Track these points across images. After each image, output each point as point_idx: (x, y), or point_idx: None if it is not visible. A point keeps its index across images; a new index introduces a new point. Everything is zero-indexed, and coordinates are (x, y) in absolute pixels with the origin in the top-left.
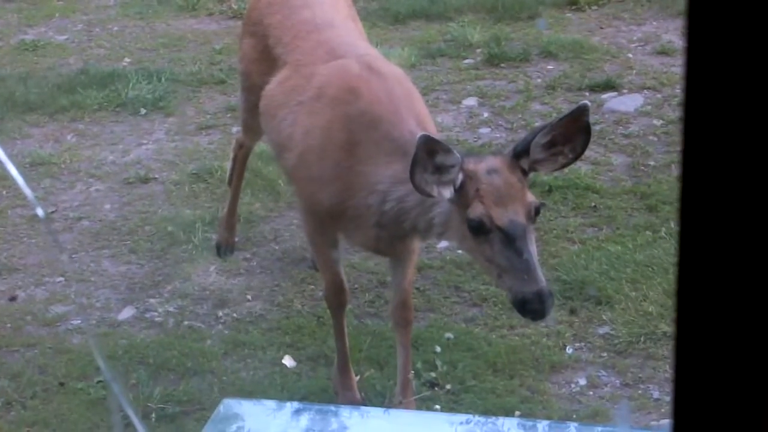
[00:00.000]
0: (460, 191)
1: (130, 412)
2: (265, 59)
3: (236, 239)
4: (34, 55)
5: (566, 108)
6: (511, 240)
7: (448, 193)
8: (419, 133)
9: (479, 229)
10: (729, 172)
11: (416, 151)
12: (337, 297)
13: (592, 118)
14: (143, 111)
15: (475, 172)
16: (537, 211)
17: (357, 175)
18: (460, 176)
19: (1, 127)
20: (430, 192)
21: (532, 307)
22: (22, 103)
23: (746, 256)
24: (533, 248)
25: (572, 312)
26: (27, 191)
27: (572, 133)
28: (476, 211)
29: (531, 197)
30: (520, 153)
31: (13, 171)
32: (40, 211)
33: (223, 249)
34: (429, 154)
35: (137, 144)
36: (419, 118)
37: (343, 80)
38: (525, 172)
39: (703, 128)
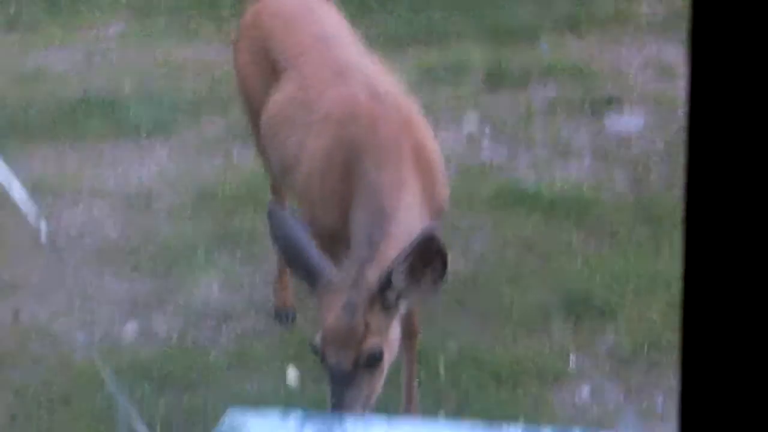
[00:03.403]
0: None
1: (139, 424)
2: (261, 72)
3: (294, 304)
4: (35, 84)
5: (566, 129)
6: (332, 382)
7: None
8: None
9: (315, 354)
10: (733, 187)
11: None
12: None
13: (593, 139)
14: (144, 137)
15: (329, 304)
16: (371, 358)
17: (351, 200)
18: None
19: (2, 154)
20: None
21: None
22: (24, 131)
23: (751, 266)
24: (353, 396)
25: (576, 323)
26: (29, 207)
27: (428, 258)
28: (316, 341)
29: (370, 343)
30: (383, 286)
31: (17, 186)
32: (43, 226)
33: (284, 313)
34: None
35: (139, 167)
36: (416, 148)
37: (347, 107)
38: (391, 305)
39: (708, 146)
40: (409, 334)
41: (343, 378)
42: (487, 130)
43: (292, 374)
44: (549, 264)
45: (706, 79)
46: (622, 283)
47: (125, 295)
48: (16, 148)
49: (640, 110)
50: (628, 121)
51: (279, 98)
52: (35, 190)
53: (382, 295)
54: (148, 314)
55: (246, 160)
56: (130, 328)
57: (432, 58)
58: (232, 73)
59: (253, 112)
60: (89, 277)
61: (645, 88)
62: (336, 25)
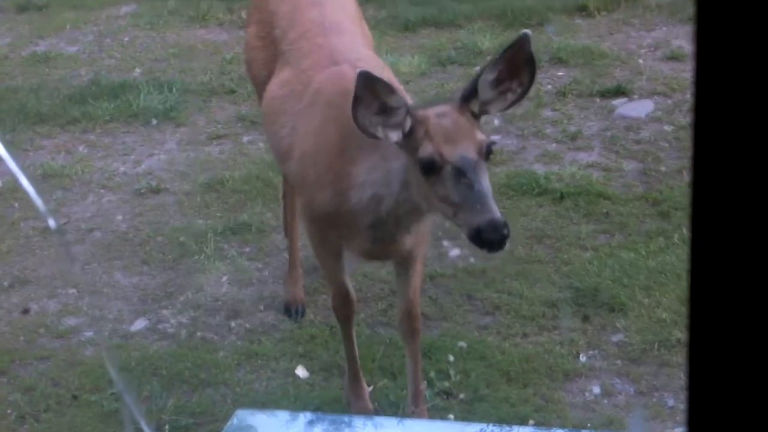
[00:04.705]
0: (411, 136)
1: (143, 424)
2: (267, 47)
3: (305, 295)
4: (46, 67)
5: (576, 116)
6: (462, 174)
7: (395, 136)
8: (359, 69)
9: (431, 168)
10: (740, 178)
11: (356, 88)
12: (343, 307)
13: (602, 125)
14: (154, 121)
15: (425, 117)
16: (489, 149)
17: (346, 177)
18: (409, 121)
19: (12, 138)
20: (375, 133)
21: (486, 236)
22: (34, 115)
23: (758, 261)
24: (486, 182)
25: (585, 319)
26: (38, 202)
27: (517, 66)
28: (426, 150)
29: (482, 136)
30: (468, 96)
31: (25, 182)
32: (52, 223)
33: (294, 308)
34: (372, 93)
35: (148, 154)
36: None
37: (335, 85)
38: (476, 115)
39: (714, 134)
40: (411, 332)
41: (475, 166)
42: (496, 118)
43: (301, 373)
44: (558, 256)
45: (712, 63)
46: (631, 277)
47: (134, 290)
48: (27, 134)
49: (649, 94)
50: (637, 106)
51: (276, 83)
52: (45, 179)
53: (468, 105)
54: (157, 309)
55: (256, 148)
56: (140, 324)
57: (442, 42)
58: (243, 55)
59: (260, 92)
60: (99, 271)
61: (654, 72)
62: (338, 12)
